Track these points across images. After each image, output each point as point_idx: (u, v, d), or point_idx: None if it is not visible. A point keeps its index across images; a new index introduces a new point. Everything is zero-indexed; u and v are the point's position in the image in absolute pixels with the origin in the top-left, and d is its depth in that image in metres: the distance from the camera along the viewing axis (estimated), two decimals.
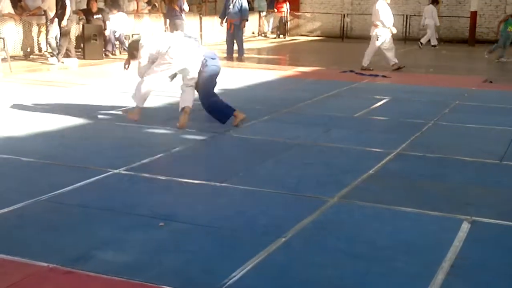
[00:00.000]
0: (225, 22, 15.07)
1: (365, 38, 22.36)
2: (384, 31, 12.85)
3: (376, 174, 5.34)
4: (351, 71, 12.59)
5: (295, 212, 4.30)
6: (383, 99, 9.24)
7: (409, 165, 5.73)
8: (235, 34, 14.83)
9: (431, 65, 15.05)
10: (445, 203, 4.58)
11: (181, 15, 13.67)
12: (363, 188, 4.94)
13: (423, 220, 4.26)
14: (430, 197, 4.75)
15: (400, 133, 6.92)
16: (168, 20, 14.63)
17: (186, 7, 13.82)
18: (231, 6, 14.65)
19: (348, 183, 4.98)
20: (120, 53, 15.60)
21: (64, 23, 12.80)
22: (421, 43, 19.34)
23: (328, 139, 6.63)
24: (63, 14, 12.90)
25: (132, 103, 7.45)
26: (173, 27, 13.92)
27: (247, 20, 15.32)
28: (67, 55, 13.16)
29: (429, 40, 19.42)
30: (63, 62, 12.96)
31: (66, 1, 12.93)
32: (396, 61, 13.18)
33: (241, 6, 14.66)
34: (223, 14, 15.15)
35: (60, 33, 13.07)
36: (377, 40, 12.88)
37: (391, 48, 13.17)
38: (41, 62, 13.43)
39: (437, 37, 19.85)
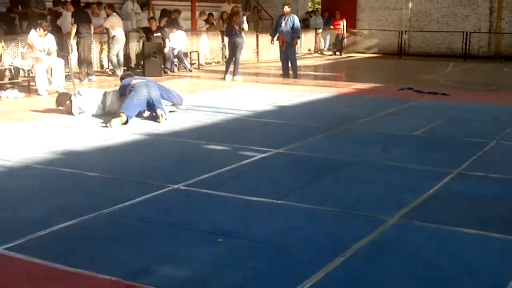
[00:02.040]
0: (277, 39, 15.17)
1: (423, 55, 22.18)
2: None
3: (437, 194, 5.24)
4: (410, 88, 12.42)
5: (354, 231, 4.26)
6: (443, 117, 9.07)
7: (470, 185, 5.60)
8: (287, 51, 14.90)
9: (492, 83, 14.70)
10: (509, 225, 4.45)
11: (240, 33, 13.81)
12: (423, 208, 4.85)
13: (486, 242, 4.15)
14: (493, 219, 4.62)
15: (461, 152, 6.77)
16: (227, 38, 14.79)
17: (245, 26, 13.94)
18: (283, 24, 14.73)
19: (407, 203, 4.90)
20: (178, 70, 15.90)
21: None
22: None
23: (387, 158, 6.54)
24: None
25: None
26: (232, 45, 14.08)
27: (299, 38, 15.38)
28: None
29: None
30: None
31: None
32: None
33: (293, 24, 14.71)
34: (275, 31, 15.24)
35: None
36: None
37: None
38: (103, 79, 13.81)
39: None
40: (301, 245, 4.03)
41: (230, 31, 13.99)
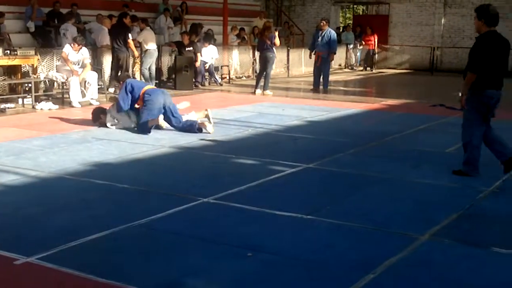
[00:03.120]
0: (313, 54, 15.19)
1: (456, 71, 21.93)
2: None
3: (469, 212, 5.17)
4: (442, 105, 12.30)
5: (384, 248, 4.23)
6: None
7: (504, 203, 5.51)
8: (322, 66, 14.92)
9: None
10: None
11: (271, 48, 13.88)
12: (455, 226, 4.79)
13: None
14: None
15: (495, 170, 6.65)
16: (258, 53, 14.86)
17: (277, 40, 14.02)
18: (319, 39, 14.76)
19: (439, 221, 4.84)
20: (209, 84, 16.01)
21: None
22: None
23: (418, 175, 6.48)
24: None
25: None
26: (263, 60, 14.15)
27: (335, 53, 15.38)
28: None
29: None
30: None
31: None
32: None
33: (330, 39, 14.78)
34: (312, 46, 15.27)
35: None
36: None
37: None
38: None
39: None
40: (331, 261, 4.01)
41: (262, 46, 14.05)
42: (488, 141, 6.51)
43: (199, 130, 8.51)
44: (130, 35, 13.50)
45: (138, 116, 8.60)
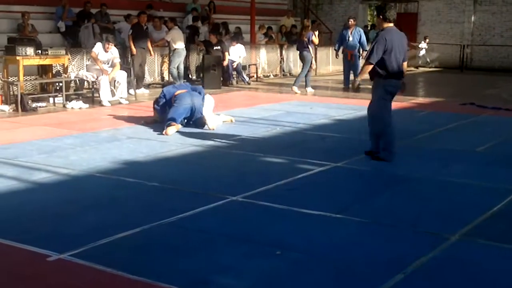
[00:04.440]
0: (341, 52, 15.14)
1: (486, 70, 21.65)
2: None
3: (500, 212, 5.10)
4: (472, 103, 12.14)
5: (414, 248, 4.19)
6: (507, 133, 8.83)
7: None
8: (355, 64, 14.93)
9: None
10: None
11: (308, 47, 13.93)
12: (487, 226, 4.73)
13: None
14: None
15: None
16: (298, 52, 14.92)
17: (315, 39, 14.07)
18: (350, 37, 14.74)
19: (470, 220, 4.78)
20: (237, 83, 16.05)
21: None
22: None
23: (448, 174, 6.41)
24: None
25: None
26: (300, 58, 14.25)
27: (366, 51, 15.33)
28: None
29: None
30: None
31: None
32: None
33: (360, 37, 14.86)
34: (340, 44, 15.21)
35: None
36: None
37: None
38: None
39: None
40: (360, 260, 3.99)
41: (300, 45, 14.14)
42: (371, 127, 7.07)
43: (202, 125, 8.74)
44: (155, 34, 13.67)
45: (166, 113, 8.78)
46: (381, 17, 6.92)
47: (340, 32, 15.30)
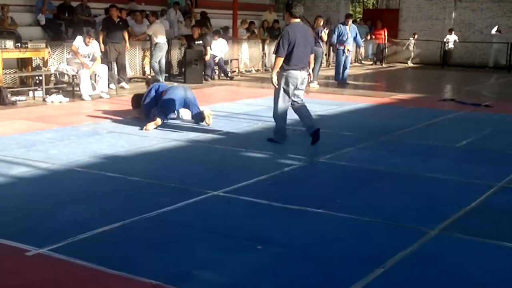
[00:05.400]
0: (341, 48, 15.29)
1: (466, 66, 21.83)
2: None
3: (479, 207, 5.15)
4: (452, 99, 12.25)
5: (394, 242, 4.23)
6: (486, 129, 8.92)
7: None
8: (348, 59, 15.37)
9: None
10: None
11: (318, 43, 14.05)
12: (465, 221, 4.78)
13: None
14: None
15: (505, 165, 6.65)
16: None
17: (323, 35, 14.22)
18: (349, 34, 14.95)
19: (449, 215, 4.83)
20: (219, 78, 16.02)
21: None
22: None
23: (428, 169, 6.47)
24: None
25: None
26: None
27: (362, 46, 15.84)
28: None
29: None
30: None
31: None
32: None
33: (356, 34, 15.46)
34: (337, 40, 15.23)
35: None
36: None
37: None
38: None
39: None
40: (341, 254, 4.02)
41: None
42: (299, 115, 7.67)
43: (202, 120, 8.53)
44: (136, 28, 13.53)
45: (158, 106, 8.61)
46: (288, 13, 7.40)
47: (338, 28, 15.23)
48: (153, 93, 8.68)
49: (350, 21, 15.24)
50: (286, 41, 7.16)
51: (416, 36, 23.23)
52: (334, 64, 15.09)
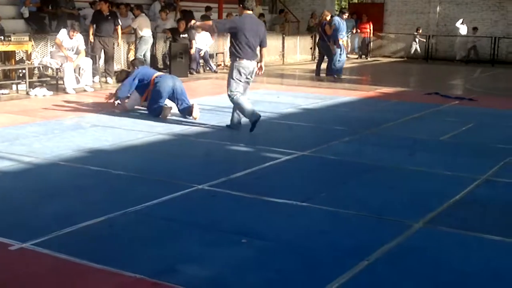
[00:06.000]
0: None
1: (451, 60, 21.94)
2: None
3: (463, 200, 5.19)
4: (436, 93, 12.31)
5: (378, 235, 4.25)
6: (470, 122, 8.98)
7: (497, 191, 5.54)
8: (343, 52, 15.41)
9: None
10: None
11: (324, 37, 14.22)
12: (449, 214, 4.81)
13: None
14: None
15: (488, 158, 6.70)
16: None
17: (327, 28, 14.38)
18: (343, 27, 14.93)
19: (433, 208, 4.86)
20: (204, 71, 15.97)
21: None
22: None
23: (413, 163, 6.50)
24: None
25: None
26: (319, 47, 15.61)
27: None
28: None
29: None
30: None
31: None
32: None
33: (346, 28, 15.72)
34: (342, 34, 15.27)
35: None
36: None
37: None
38: None
39: None
40: (325, 248, 4.03)
41: (319, 35, 15.25)
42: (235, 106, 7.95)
43: (189, 114, 8.51)
44: (121, 21, 13.43)
45: (149, 99, 8.74)
46: (241, 5, 7.94)
47: (339, 22, 15.07)
48: (136, 82, 8.75)
49: (345, 16, 15.49)
50: (229, 23, 8.05)
51: (420, 31, 23.07)
52: (328, 58, 14.97)
